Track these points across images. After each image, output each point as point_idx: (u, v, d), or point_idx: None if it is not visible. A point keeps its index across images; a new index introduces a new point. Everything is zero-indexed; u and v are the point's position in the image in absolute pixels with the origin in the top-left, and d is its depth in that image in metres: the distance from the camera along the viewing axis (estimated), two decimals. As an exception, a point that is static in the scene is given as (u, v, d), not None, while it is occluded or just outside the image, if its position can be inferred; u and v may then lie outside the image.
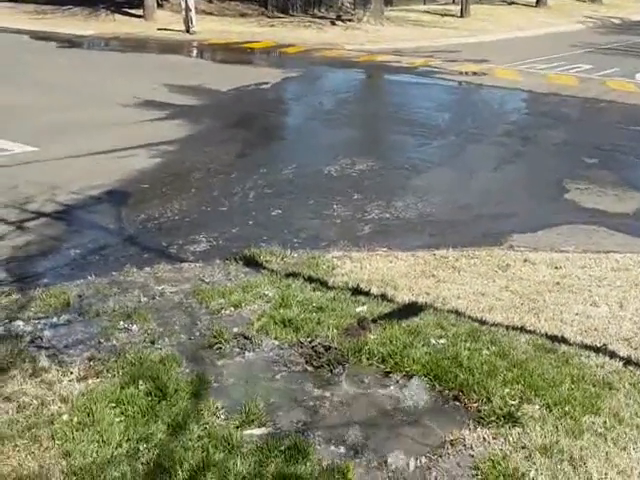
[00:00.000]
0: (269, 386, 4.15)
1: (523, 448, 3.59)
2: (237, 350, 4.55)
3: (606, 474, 3.43)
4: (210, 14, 26.54)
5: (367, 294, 5.37)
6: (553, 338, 4.72)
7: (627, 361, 4.45)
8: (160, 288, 5.56)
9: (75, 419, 3.73)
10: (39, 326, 4.89)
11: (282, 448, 3.52)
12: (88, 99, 13.05)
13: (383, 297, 5.32)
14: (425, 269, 6.02)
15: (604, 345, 4.66)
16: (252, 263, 6.07)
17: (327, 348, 4.46)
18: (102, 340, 4.70)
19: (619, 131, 12.02)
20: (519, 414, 3.83)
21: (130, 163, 9.31)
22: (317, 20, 26.88)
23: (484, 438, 3.68)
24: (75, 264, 6.34)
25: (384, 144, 11.42)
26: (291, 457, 3.46)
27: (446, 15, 29.23)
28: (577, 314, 5.17)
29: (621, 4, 38.23)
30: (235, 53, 20.06)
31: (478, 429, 3.76)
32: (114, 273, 5.93)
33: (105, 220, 7.47)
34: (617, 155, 10.49)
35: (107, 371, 4.28)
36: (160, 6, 25.91)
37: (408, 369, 4.25)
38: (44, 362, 4.39)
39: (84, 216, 7.58)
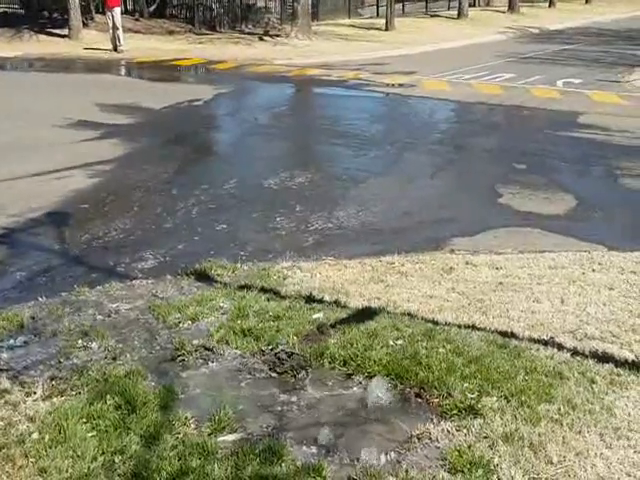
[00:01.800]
0: (236, 394, 4.23)
1: (486, 438, 3.77)
2: (200, 361, 4.61)
3: (564, 456, 3.63)
4: (137, 32, 26.38)
5: (320, 301, 5.49)
6: (503, 334, 4.93)
7: (574, 352, 4.69)
8: (114, 306, 5.57)
9: (47, 437, 3.73)
10: (-5, 349, 4.85)
11: (257, 451, 3.61)
12: (19, 121, 12.84)
13: (337, 304, 5.45)
14: (373, 275, 6.18)
15: (551, 338, 4.89)
16: (204, 277, 6.12)
17: (289, 354, 4.57)
18: (62, 359, 4.68)
19: (545, 136, 12.49)
20: (479, 406, 4.00)
21: (68, 184, 9.23)
22: (245, 36, 27.04)
23: (448, 431, 3.84)
24: (22, 287, 6.27)
25: (321, 156, 11.60)
26: (266, 459, 3.55)
27: (372, 29, 29.77)
28: (522, 311, 5.40)
29: (538, 14, 39.63)
30: (165, 71, 20.01)
31: (442, 423, 3.92)
32: (64, 293, 5.90)
33: (48, 242, 7.39)
34: (544, 159, 10.91)
35: (71, 389, 4.27)
36: (85, 25, 25.59)
37: (370, 370, 4.38)
38: (5, 384, 4.35)
39: (26, 238, 7.48)
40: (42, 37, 24.95)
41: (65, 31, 24.90)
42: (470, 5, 37.93)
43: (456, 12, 36.03)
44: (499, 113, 14.95)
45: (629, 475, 3.54)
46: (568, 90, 17.15)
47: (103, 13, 25.08)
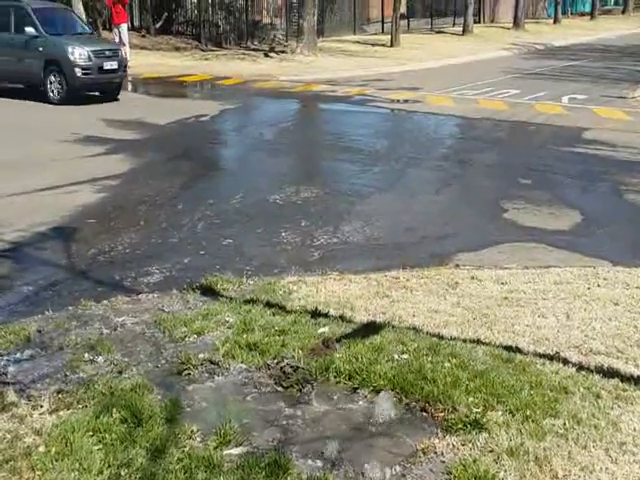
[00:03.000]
0: (241, 407, 4.24)
1: (491, 452, 3.77)
2: (206, 375, 4.62)
3: (570, 471, 3.63)
4: (144, 48, 26.59)
5: (326, 316, 5.52)
6: (508, 348, 4.94)
7: (579, 367, 4.69)
8: (121, 319, 5.59)
9: (53, 450, 3.75)
10: (2, 363, 4.87)
11: (262, 465, 3.62)
12: (26, 136, 12.96)
13: (342, 318, 5.47)
14: (379, 290, 6.19)
15: (557, 353, 4.89)
16: (210, 291, 6.15)
17: (295, 368, 4.58)
18: (68, 373, 4.71)
19: (550, 152, 12.53)
20: (484, 420, 4.01)
21: (75, 198, 9.29)
22: (251, 52, 27.22)
23: (453, 445, 3.85)
24: (29, 301, 6.29)
25: (326, 172, 11.65)
26: (272, 472, 3.56)
27: (376, 45, 29.93)
28: (527, 325, 5.41)
29: (543, 31, 39.79)
30: (171, 86, 20.15)
31: (447, 437, 3.92)
32: (71, 307, 5.93)
33: (55, 256, 7.43)
34: (549, 175, 10.94)
35: (78, 402, 4.29)
36: (92, 42, 25.75)
37: (375, 384, 4.39)
38: (12, 397, 4.37)
39: (33, 253, 7.52)
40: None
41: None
42: (475, 22, 38.16)
43: (461, 28, 36.24)
44: (504, 129, 15.00)
45: (635, 490, 3.54)
46: (573, 106, 17.21)
47: (110, 29, 25.27)
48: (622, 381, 4.52)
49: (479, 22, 41.03)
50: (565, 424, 4.01)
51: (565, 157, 12.15)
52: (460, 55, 28.02)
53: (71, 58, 16.34)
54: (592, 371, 4.65)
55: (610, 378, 4.56)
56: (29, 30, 16.66)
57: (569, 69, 25.16)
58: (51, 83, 16.59)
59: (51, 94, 16.59)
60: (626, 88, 20.03)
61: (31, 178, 10.08)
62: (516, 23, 39.69)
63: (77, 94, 16.60)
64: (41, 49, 16.58)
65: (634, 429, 4.02)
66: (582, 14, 50.24)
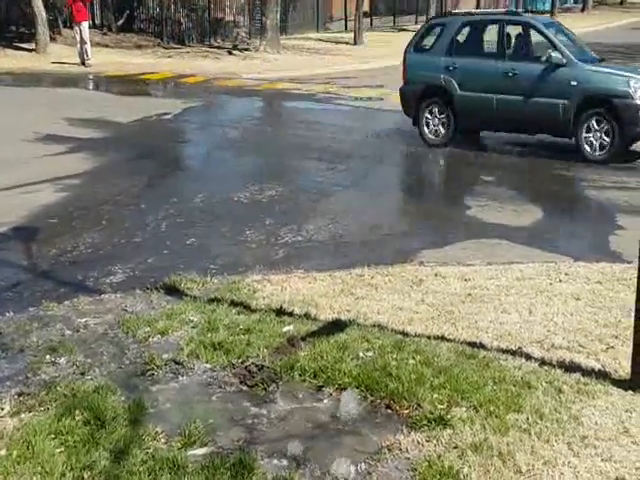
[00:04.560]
0: (206, 408, 4.22)
1: (455, 448, 3.80)
2: (170, 375, 4.59)
3: (533, 465, 3.67)
4: (106, 46, 26.30)
5: (291, 314, 5.51)
6: (472, 344, 4.97)
7: (542, 362, 4.74)
8: (83, 320, 5.53)
9: (14, 453, 3.69)
10: (-39, 366, 4.80)
11: (227, 465, 3.60)
12: (-16, 135, 12.75)
13: (307, 316, 5.46)
14: (343, 288, 6.20)
15: (519, 348, 4.94)
16: (173, 291, 6.10)
17: (260, 367, 4.57)
18: (30, 375, 4.64)
19: (511, 149, 12.64)
20: (448, 417, 4.03)
21: (36, 198, 9.16)
22: (214, 50, 27.06)
23: (418, 441, 3.86)
24: (-11, 302, 6.20)
25: (291, 170, 11.62)
26: (237, 473, 3.54)
27: (340, 43, 29.96)
28: (491, 321, 5.45)
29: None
30: (133, 85, 19.96)
31: (412, 433, 3.94)
32: (32, 308, 5.85)
33: (16, 256, 7.32)
34: (512, 172, 11.05)
35: (39, 405, 4.23)
36: (53, 40, 25.44)
37: (340, 382, 4.40)
38: (-28, 400, 4.31)
39: (-7, 253, 7.41)
40: (9, 51, 24.75)
41: (32, 45, 24.74)
42: (437, 20, 38.32)
43: (424, 27, 36.37)
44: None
45: (596, 483, 3.58)
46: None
47: (71, 27, 24.96)
48: (584, 375, 4.58)
49: (441, 20, 41.22)
50: (528, 419, 4.05)
51: (523, 155, 12.26)
52: (423, 53, 28.12)
53: (634, 96, 10.84)
54: (554, 366, 4.69)
55: (572, 372, 4.61)
56: (555, 56, 11.41)
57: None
58: (590, 132, 11.23)
59: (588, 148, 11.26)
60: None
61: (-9, 178, 9.92)
62: (478, 21, 39.92)
63: (626, 148, 11.39)
64: (574, 83, 11.23)
65: (595, 423, 4.07)
66: (542, 12, 50.79)
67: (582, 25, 43.83)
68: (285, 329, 5.16)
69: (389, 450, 3.81)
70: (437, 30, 13.15)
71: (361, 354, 4.73)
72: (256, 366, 4.59)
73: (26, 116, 14.79)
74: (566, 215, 8.98)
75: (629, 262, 6.69)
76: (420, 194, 9.96)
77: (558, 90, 11.25)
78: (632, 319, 4.53)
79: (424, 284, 6.31)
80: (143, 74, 21.30)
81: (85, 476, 3.54)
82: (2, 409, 4.21)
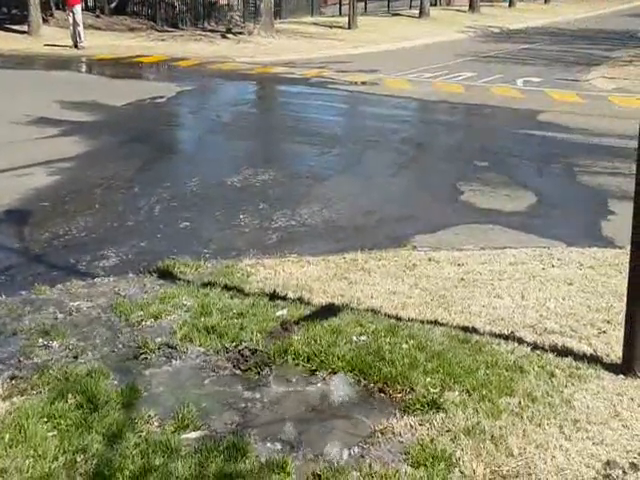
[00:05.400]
0: (199, 391, 4.22)
1: (448, 431, 3.81)
2: (163, 359, 4.59)
3: (525, 449, 3.69)
4: (98, 29, 26.12)
5: (284, 299, 5.50)
6: (465, 329, 4.99)
7: (534, 346, 4.76)
8: (76, 304, 5.51)
9: (7, 436, 3.69)
10: (-47, 349, 4.78)
11: (220, 448, 3.61)
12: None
13: (300, 301, 5.46)
14: (337, 272, 6.20)
15: (512, 333, 4.96)
16: (167, 275, 6.09)
17: (253, 351, 4.57)
18: (22, 358, 4.63)
19: (505, 134, 12.66)
20: (441, 401, 4.04)
21: (28, 181, 9.11)
22: (207, 33, 26.92)
23: (411, 425, 3.88)
24: (-19, 285, 6.18)
25: (284, 154, 11.60)
26: (230, 456, 3.55)
27: (334, 27, 29.82)
28: (484, 306, 5.47)
29: (499, 14, 40.04)
30: (127, 68, 19.83)
31: (405, 417, 3.95)
32: (25, 292, 5.83)
33: (8, 240, 7.30)
34: (505, 157, 11.05)
35: (32, 388, 4.22)
36: (45, 22, 25.25)
37: (334, 366, 4.40)
38: (-37, 384, 4.30)
39: (-15, 237, 7.38)
40: (1, 33, 24.56)
41: (25, 27, 24.54)
42: (431, 4, 38.19)
43: (418, 11, 36.23)
44: (460, 112, 15.08)
45: (587, 466, 3.60)
46: (528, 89, 17.36)
47: (63, 9, 24.78)
48: (575, 359, 4.60)
49: (435, 5, 41.12)
50: (520, 403, 4.07)
51: (520, 139, 12.26)
52: (417, 38, 28.03)
53: None
54: (546, 350, 4.71)
55: (564, 357, 4.63)
56: None
57: (524, 52, 25.37)
58: None
59: None
60: (580, 71, 20.29)
61: (-18, 161, 9.86)
62: (472, 6, 39.82)
63: None
64: None
65: (587, 406, 4.09)
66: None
67: (577, 10, 43.94)
68: (278, 313, 5.16)
69: (382, 434, 3.82)
70: None
71: (354, 338, 4.74)
72: (249, 350, 4.59)
73: (18, 99, 14.68)
74: (559, 200, 8.97)
75: (621, 247, 6.72)
76: (414, 178, 9.94)
77: None
78: (624, 304, 4.55)
79: (417, 269, 6.32)
80: (136, 57, 21.17)
81: (78, 459, 3.54)
82: (-6, 392, 4.19)
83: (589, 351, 4.75)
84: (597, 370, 4.48)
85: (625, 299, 4.50)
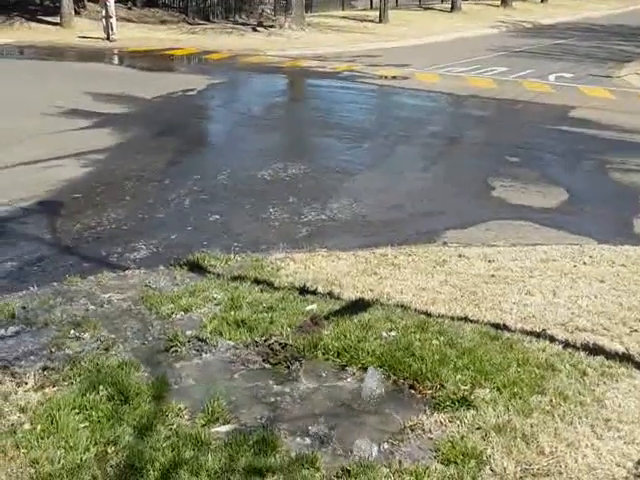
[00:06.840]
0: (229, 385, 4.23)
1: (478, 429, 3.79)
2: (194, 352, 4.61)
3: (556, 447, 3.66)
4: (130, 21, 26.24)
5: (314, 293, 5.50)
6: (495, 326, 4.95)
7: (566, 344, 4.72)
8: (107, 296, 5.55)
9: (38, 427, 3.72)
10: (-14, 339, 4.83)
11: (250, 442, 3.62)
12: (9, 109, 12.75)
13: (330, 295, 5.45)
14: (367, 267, 6.18)
15: (543, 330, 4.92)
16: (197, 268, 6.11)
17: (283, 346, 4.57)
18: (54, 350, 4.67)
19: (537, 130, 12.51)
20: (472, 398, 4.02)
21: (60, 173, 9.18)
22: (238, 26, 26.95)
23: (441, 422, 3.86)
24: (13, 276, 6.22)
25: (314, 148, 11.58)
26: (260, 450, 3.56)
27: (365, 21, 29.72)
28: (514, 303, 5.42)
29: (531, 9, 39.66)
30: (158, 60, 19.92)
31: (435, 414, 3.94)
32: (56, 283, 5.87)
33: (40, 231, 7.35)
34: (536, 153, 10.94)
35: (63, 380, 4.26)
36: (77, 13, 25.44)
37: (363, 361, 4.40)
38: (-4, 374, 4.34)
39: (17, 228, 7.42)
40: (33, 24, 24.76)
41: (57, 19, 24.73)
42: (463, -2, 37.95)
43: (449, 5, 35.99)
44: (492, 106, 14.96)
45: (619, 465, 3.57)
46: (560, 84, 17.18)
47: (96, 1, 24.93)
48: (607, 358, 4.56)
49: (467, -1, 40.83)
50: (551, 401, 4.04)
51: (552, 135, 12.14)
52: (448, 32, 27.86)
53: None
54: (578, 348, 4.67)
55: (596, 355, 4.59)
56: None
57: (556, 47, 25.10)
58: None
59: None
60: (612, 67, 20.05)
61: (15, 152, 9.94)
62: (504, 1, 39.46)
63: None
64: None
65: (619, 405, 4.05)
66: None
67: (609, 6, 43.37)
68: (308, 308, 5.16)
69: (412, 430, 3.81)
70: None
71: (384, 334, 4.73)
72: (279, 344, 4.59)
73: (49, 90, 14.79)
74: (590, 197, 8.87)
75: (654, 246, 6.63)
76: (444, 173, 9.88)
77: None
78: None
79: (447, 265, 6.28)
80: (168, 50, 21.26)
81: (109, 451, 3.57)
82: (26, 383, 4.23)
83: (621, 350, 4.70)
84: (629, 369, 4.44)
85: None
